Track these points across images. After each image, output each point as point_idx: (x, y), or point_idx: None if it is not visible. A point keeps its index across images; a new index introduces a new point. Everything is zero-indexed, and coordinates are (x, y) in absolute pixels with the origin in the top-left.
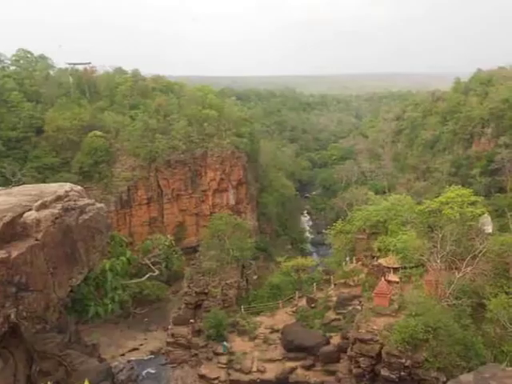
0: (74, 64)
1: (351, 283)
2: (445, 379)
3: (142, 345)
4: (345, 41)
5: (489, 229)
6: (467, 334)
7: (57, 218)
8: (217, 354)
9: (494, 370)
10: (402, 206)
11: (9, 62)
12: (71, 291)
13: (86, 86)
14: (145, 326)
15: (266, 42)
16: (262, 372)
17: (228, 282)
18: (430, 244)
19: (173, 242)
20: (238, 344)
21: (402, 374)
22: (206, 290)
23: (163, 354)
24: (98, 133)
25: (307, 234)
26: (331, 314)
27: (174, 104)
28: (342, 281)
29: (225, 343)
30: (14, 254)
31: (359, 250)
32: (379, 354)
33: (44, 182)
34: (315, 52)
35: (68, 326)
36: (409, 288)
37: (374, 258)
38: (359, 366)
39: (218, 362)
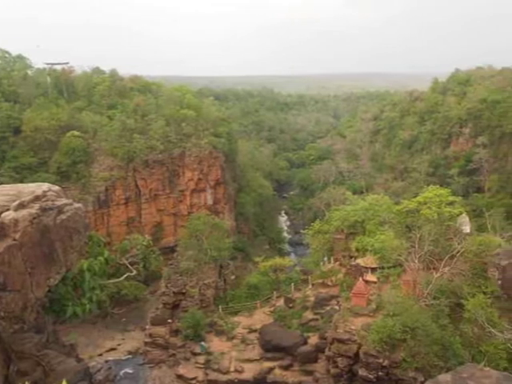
0: (52, 64)
1: (329, 283)
2: (423, 379)
3: (119, 345)
4: (323, 41)
5: (467, 229)
6: (445, 333)
7: (35, 218)
8: (194, 354)
9: (471, 369)
10: (379, 206)
11: None
12: (49, 291)
13: (63, 86)
14: (122, 325)
15: (244, 42)
16: (240, 372)
17: (206, 282)
18: (408, 244)
19: (151, 242)
20: (216, 344)
21: (380, 373)
22: (184, 290)
23: (141, 354)
24: (76, 133)
25: (285, 234)
26: (309, 314)
27: (152, 104)
28: (320, 281)
29: (202, 343)
30: None
31: (337, 250)
32: (357, 354)
33: (22, 182)
34: (293, 52)
35: (46, 326)
36: (387, 288)
37: (351, 258)
38: (337, 366)
39: (196, 362)
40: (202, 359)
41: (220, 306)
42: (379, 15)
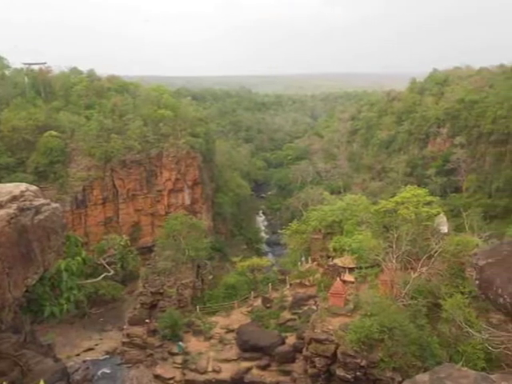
0: (30, 64)
1: (307, 283)
2: (400, 379)
3: (97, 345)
4: (300, 41)
5: (444, 229)
6: (423, 333)
7: (12, 218)
8: (172, 354)
9: (449, 369)
10: (357, 206)
11: None
12: (27, 291)
13: (41, 86)
14: (100, 325)
15: (222, 42)
16: (218, 372)
17: (183, 282)
18: (386, 244)
19: (128, 242)
20: (194, 344)
21: (358, 373)
22: (162, 290)
23: (118, 354)
24: (54, 133)
25: (262, 234)
26: (286, 314)
27: (130, 104)
28: (298, 281)
29: (180, 343)
30: None
31: (315, 250)
32: (334, 354)
33: None
34: (271, 52)
35: (23, 325)
36: (364, 288)
37: (329, 258)
38: (314, 366)
39: (174, 362)
40: (179, 359)
41: (198, 306)
42: (357, 15)
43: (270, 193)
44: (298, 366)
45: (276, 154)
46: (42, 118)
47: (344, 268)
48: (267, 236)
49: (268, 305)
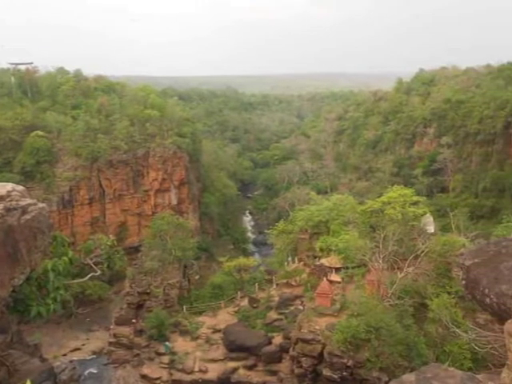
0: (16, 64)
1: (293, 283)
2: (387, 379)
3: (84, 345)
4: (287, 41)
5: (431, 229)
6: (409, 333)
7: None
8: (159, 354)
9: (436, 369)
10: (344, 206)
11: None
12: (13, 291)
13: (27, 86)
14: (87, 325)
15: (209, 42)
16: (204, 372)
17: (170, 282)
18: (372, 244)
19: (115, 242)
20: (180, 344)
21: (344, 373)
22: (148, 290)
23: (105, 353)
24: (40, 133)
25: (249, 234)
26: (273, 314)
27: (116, 104)
28: (284, 281)
29: (167, 343)
30: None
31: (301, 250)
32: (321, 354)
33: None
34: (257, 52)
35: (10, 326)
36: (351, 288)
37: (316, 258)
38: (301, 366)
39: (160, 362)
40: (166, 359)
41: (184, 306)
42: (343, 15)
43: (256, 193)
44: (284, 366)
45: (262, 154)
46: (28, 117)
47: (330, 268)
48: (254, 236)
49: (255, 305)
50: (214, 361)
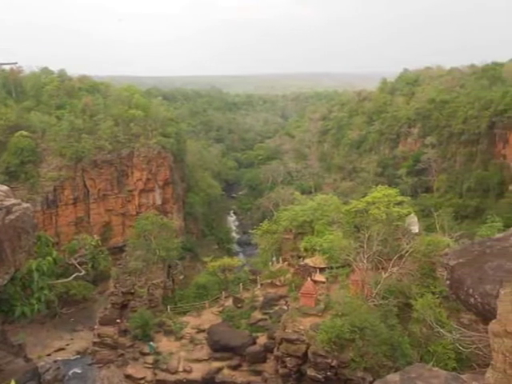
0: (1, 64)
1: (278, 283)
2: (371, 379)
3: (68, 345)
4: (271, 40)
5: (415, 229)
6: (394, 333)
7: None
8: (143, 354)
9: (420, 369)
10: (328, 206)
11: None
12: None
13: (12, 86)
14: (71, 325)
15: (193, 42)
16: (189, 372)
17: (154, 282)
18: (357, 244)
19: (99, 242)
20: (165, 344)
21: (329, 373)
22: (133, 290)
23: (89, 353)
24: (25, 133)
25: (233, 234)
26: (257, 314)
27: (101, 104)
28: (269, 281)
29: (151, 343)
30: None
31: (285, 250)
32: (305, 354)
33: None
34: (241, 52)
35: None
36: (335, 288)
37: (300, 258)
38: (285, 366)
39: (145, 362)
40: (150, 359)
41: (168, 306)
42: (327, 15)
43: (240, 193)
44: (268, 366)
45: (247, 154)
46: (12, 117)
47: (315, 268)
48: (238, 236)
49: (239, 305)
50: (198, 361)
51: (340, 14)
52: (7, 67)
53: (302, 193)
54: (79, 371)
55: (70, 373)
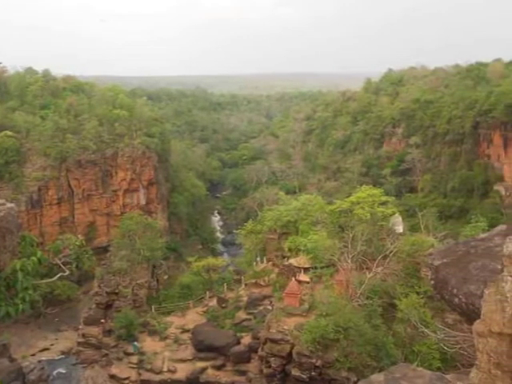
0: None
1: (262, 283)
2: (355, 379)
3: (52, 345)
4: (255, 41)
5: (400, 229)
6: (378, 333)
7: None
8: (127, 354)
9: (404, 369)
10: (312, 206)
11: None
12: None
13: None
14: (55, 325)
15: (177, 42)
16: (173, 372)
17: (139, 282)
18: (341, 244)
19: (83, 242)
20: (149, 344)
21: (313, 373)
22: (117, 290)
23: (74, 353)
24: (9, 133)
25: (218, 234)
26: (242, 314)
27: (85, 104)
28: (253, 281)
29: (135, 343)
30: None
31: (270, 250)
32: (290, 354)
33: None
34: (225, 52)
35: None
36: (319, 288)
37: (284, 258)
38: (270, 366)
39: (129, 362)
40: (134, 359)
41: (153, 306)
42: (311, 15)
43: (225, 193)
44: (253, 366)
45: (231, 154)
46: None
47: (299, 268)
48: (222, 236)
49: (223, 305)
50: (182, 361)
51: (323, 13)
52: None
53: (287, 193)
54: (63, 371)
55: (55, 373)
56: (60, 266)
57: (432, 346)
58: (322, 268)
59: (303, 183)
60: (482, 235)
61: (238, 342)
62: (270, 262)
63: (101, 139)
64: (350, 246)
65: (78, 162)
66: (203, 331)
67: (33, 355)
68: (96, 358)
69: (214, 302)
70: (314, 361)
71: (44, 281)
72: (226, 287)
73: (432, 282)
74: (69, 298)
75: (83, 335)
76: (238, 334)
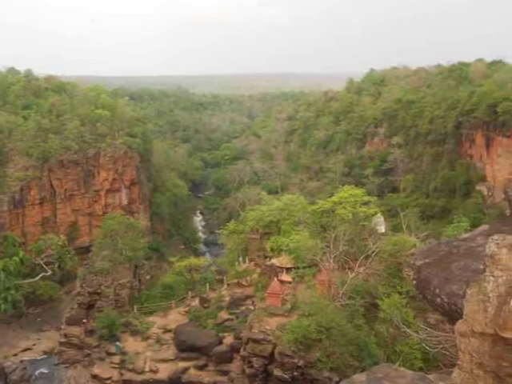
0: None
1: (244, 283)
2: (338, 379)
3: (34, 345)
4: (237, 41)
5: (382, 229)
6: (360, 333)
7: None
8: (109, 354)
9: (386, 369)
10: (294, 206)
11: None
12: None
13: None
14: (38, 325)
15: (159, 42)
16: (155, 372)
17: (121, 281)
18: (323, 244)
19: (66, 242)
20: (131, 344)
21: (295, 373)
22: (99, 290)
23: (56, 354)
24: None
25: (200, 234)
26: (224, 314)
27: (67, 104)
28: (235, 281)
29: (117, 343)
30: None
31: (252, 250)
32: (272, 354)
33: None
34: (208, 52)
35: None
36: (302, 288)
37: (266, 258)
38: (252, 366)
39: (111, 362)
40: (116, 359)
41: (135, 306)
42: (293, 15)
43: (207, 193)
44: (235, 366)
45: (213, 154)
46: None
47: (281, 268)
48: (205, 236)
49: (205, 305)
50: (164, 361)
51: (306, 14)
52: None
53: (269, 193)
54: (46, 371)
55: (37, 373)
56: (42, 266)
57: (414, 345)
58: (304, 268)
59: (285, 183)
60: (465, 235)
61: (220, 342)
62: (252, 262)
63: (83, 139)
64: (332, 246)
65: (60, 162)
66: (185, 331)
67: (15, 355)
68: (78, 358)
69: (196, 302)
70: (296, 361)
71: (26, 281)
72: (208, 287)
73: (414, 281)
74: (51, 298)
75: (65, 335)
76: (220, 334)
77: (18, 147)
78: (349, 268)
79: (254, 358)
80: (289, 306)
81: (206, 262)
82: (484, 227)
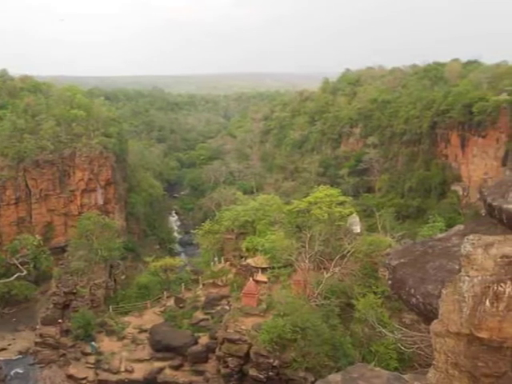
0: None
1: (219, 283)
2: (313, 379)
3: (10, 345)
4: (212, 41)
5: (357, 229)
6: (335, 333)
7: None
8: (85, 354)
9: (362, 369)
10: (270, 206)
11: None
12: None
13: None
14: (13, 325)
15: (134, 42)
16: (130, 372)
17: (96, 281)
18: (299, 244)
19: (41, 242)
20: (106, 344)
21: (270, 373)
22: (75, 290)
23: (31, 354)
24: None
25: (175, 234)
26: (199, 314)
27: (43, 104)
28: (211, 281)
29: (93, 343)
30: None
31: (227, 250)
32: (247, 354)
33: None
34: (183, 52)
35: None
36: (277, 288)
37: (242, 258)
38: (227, 366)
39: (86, 362)
40: (92, 359)
41: (110, 306)
42: (268, 15)
43: (182, 193)
44: (210, 366)
45: (189, 154)
46: None
47: (257, 268)
48: (180, 236)
49: (181, 305)
50: (140, 361)
51: (280, 14)
52: None
53: (244, 193)
54: (21, 371)
55: (12, 373)
56: (17, 266)
57: (389, 345)
58: (279, 268)
59: (261, 183)
60: (440, 235)
61: (196, 342)
62: (228, 262)
63: (58, 139)
64: (307, 246)
65: (35, 162)
66: (161, 331)
67: None
68: (53, 358)
69: (171, 302)
70: (271, 361)
71: (1, 281)
72: (183, 287)
73: (389, 282)
74: (26, 298)
75: (41, 335)
76: (196, 334)
77: None
78: (324, 268)
79: (230, 358)
80: (264, 305)
81: (181, 262)
82: (459, 227)
